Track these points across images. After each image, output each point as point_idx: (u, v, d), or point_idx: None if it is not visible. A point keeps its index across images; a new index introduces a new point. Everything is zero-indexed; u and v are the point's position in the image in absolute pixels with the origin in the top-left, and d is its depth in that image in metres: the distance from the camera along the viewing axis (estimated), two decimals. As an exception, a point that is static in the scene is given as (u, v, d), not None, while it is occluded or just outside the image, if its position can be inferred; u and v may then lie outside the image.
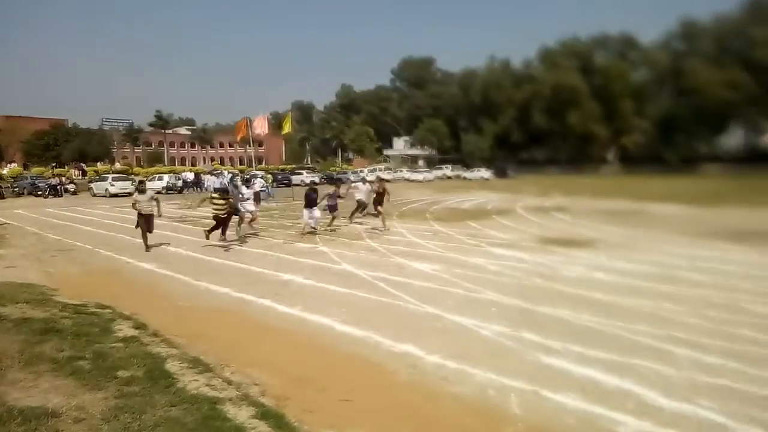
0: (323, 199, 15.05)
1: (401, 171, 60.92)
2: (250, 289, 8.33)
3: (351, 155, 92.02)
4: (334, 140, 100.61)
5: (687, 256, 11.03)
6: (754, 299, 7.55)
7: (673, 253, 11.52)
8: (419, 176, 56.73)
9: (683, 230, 15.02)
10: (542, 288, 8.36)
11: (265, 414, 4.08)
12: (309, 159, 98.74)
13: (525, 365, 5.24)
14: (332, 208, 15.54)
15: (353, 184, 17.80)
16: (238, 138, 34.42)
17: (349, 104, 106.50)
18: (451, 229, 15.18)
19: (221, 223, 12.35)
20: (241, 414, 4.07)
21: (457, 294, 7.97)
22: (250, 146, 39.33)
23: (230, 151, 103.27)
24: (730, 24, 61.02)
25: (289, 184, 41.57)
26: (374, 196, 15.58)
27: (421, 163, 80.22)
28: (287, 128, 30.31)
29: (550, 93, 68.24)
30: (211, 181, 29.88)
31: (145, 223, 12.15)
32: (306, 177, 47.89)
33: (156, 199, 12.51)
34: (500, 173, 60.62)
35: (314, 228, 14.41)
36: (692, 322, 6.53)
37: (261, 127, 28.89)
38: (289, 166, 70.26)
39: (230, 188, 14.51)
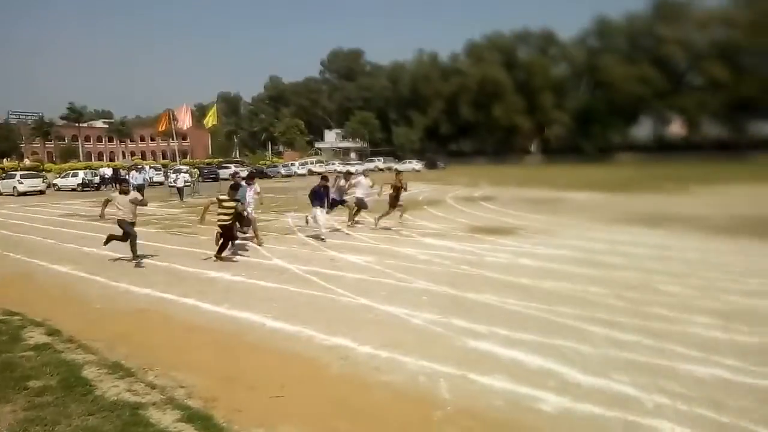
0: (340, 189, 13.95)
1: (333, 164, 60.61)
2: (174, 289, 7.99)
3: (281, 148, 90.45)
4: (263, 133, 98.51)
5: (605, 241, 11.70)
6: (666, 279, 8.12)
7: (592, 238, 12.18)
8: (351, 169, 56.64)
9: (601, 216, 15.93)
10: (470, 275, 8.59)
11: (191, 416, 3.93)
12: (237, 152, 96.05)
13: (454, 351, 5.36)
14: (337, 203, 13.99)
15: (358, 178, 15.27)
16: (159, 131, 32.94)
17: (278, 96, 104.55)
18: (383, 221, 15.25)
19: (228, 232, 10.28)
20: (166, 418, 3.90)
21: (389, 284, 8.04)
22: (173, 140, 37.76)
23: (152, 145, 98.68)
24: (640, 23, 65.15)
25: (216, 179, 40.34)
26: (392, 191, 14.14)
27: (353, 155, 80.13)
28: (212, 121, 29.38)
29: (477, 87, 70.21)
30: (134, 178, 28.19)
31: (129, 228, 9.99)
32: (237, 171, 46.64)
33: (141, 201, 10.46)
34: (430, 165, 61.92)
35: (323, 239, 12.05)
36: (610, 302, 6.93)
37: (184, 119, 27.77)
38: (215, 160, 68.11)
39: (240, 185, 11.71)
